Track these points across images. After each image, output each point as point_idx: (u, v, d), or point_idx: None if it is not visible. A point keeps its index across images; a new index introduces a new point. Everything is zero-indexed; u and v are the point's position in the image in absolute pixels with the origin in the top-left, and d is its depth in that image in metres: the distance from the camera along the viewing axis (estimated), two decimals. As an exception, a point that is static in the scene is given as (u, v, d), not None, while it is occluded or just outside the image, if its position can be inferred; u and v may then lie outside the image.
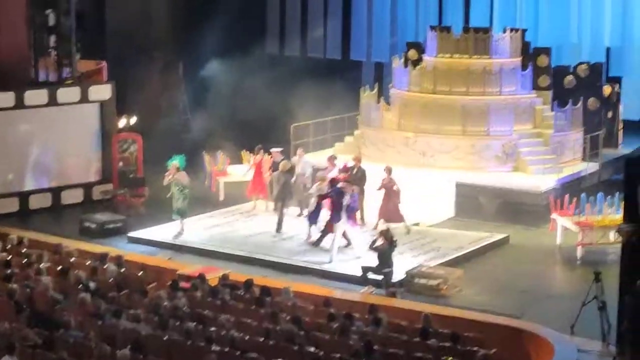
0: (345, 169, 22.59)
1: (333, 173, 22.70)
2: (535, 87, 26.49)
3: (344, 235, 20.72)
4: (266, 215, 23.57)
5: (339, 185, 21.16)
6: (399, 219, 22.08)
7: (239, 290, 16.69)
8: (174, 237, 21.94)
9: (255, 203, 24.30)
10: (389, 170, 22.27)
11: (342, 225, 20.17)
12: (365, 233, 21.45)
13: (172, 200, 22.14)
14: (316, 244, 21.08)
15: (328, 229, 20.90)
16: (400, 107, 25.67)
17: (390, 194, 22.08)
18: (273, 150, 24.18)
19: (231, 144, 27.05)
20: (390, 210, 22.01)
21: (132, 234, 22.36)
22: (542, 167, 23.68)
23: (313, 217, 21.56)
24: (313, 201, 21.68)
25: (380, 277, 18.50)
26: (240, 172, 25.68)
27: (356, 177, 22.53)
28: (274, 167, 23.62)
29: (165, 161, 22.70)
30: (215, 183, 25.75)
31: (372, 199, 22.42)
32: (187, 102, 33.20)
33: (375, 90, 27.46)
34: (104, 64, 28.02)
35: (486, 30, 26.36)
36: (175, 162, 22.31)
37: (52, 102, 24.76)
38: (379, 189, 22.07)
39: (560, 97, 26.35)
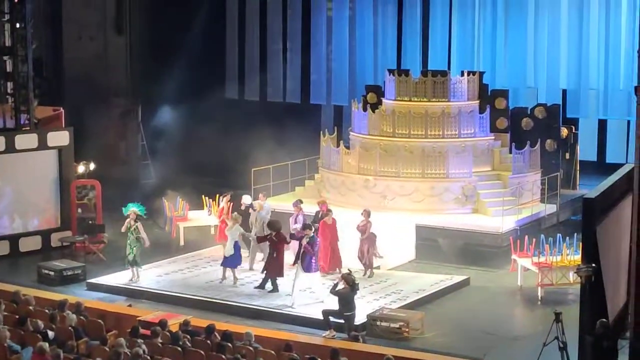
0: (326, 211, 22.52)
1: (298, 218, 22.71)
2: (493, 129, 26.70)
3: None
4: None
5: (296, 229, 21.23)
6: (370, 264, 22.14)
7: (200, 335, 16.56)
8: (130, 283, 21.77)
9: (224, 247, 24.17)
10: (367, 214, 22.32)
11: (300, 269, 20.10)
12: (327, 276, 21.46)
13: (127, 247, 21.95)
14: (260, 286, 21.11)
15: (270, 272, 20.95)
16: (359, 151, 25.77)
17: (369, 237, 22.13)
18: (243, 197, 24.11)
19: (191, 190, 26.99)
20: (366, 253, 22.07)
21: (91, 280, 22.16)
22: (501, 208, 23.80)
23: (231, 260, 21.54)
24: (230, 244, 21.61)
25: (342, 321, 18.44)
26: (201, 217, 25.61)
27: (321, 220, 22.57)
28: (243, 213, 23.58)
29: (123, 207, 22.55)
30: (176, 228, 25.63)
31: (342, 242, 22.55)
32: (146, 148, 33.12)
33: (335, 133, 27.56)
34: (61, 110, 27.95)
35: (444, 74, 26.58)
36: (135, 208, 22.17)
37: (10, 148, 24.59)
38: (358, 230, 22.19)
39: (518, 139, 26.57)
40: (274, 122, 31.14)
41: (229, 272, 21.72)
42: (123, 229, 22.27)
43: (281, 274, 20.97)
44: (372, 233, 22.21)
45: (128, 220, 22.03)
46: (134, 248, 21.80)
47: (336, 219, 22.45)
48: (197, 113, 31.15)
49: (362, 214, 22.41)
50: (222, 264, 21.79)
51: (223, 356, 15.38)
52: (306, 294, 20.37)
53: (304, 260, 20.10)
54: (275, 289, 20.95)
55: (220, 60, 35.63)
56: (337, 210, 23.51)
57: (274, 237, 21.01)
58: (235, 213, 22.60)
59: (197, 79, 32.36)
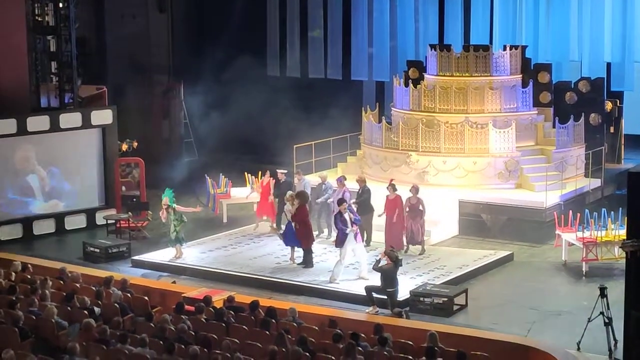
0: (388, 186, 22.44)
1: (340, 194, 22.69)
2: (537, 103, 26.49)
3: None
4: (270, 236, 23.55)
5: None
6: (419, 240, 22.08)
7: (244, 312, 16.66)
8: (174, 259, 21.90)
9: (258, 224, 24.32)
10: (415, 190, 22.21)
11: (348, 245, 20.09)
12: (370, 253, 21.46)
13: (171, 227, 22.07)
14: (305, 263, 21.12)
15: (303, 245, 21.03)
16: (401, 126, 25.69)
17: (416, 214, 22.06)
18: (278, 171, 24.24)
19: (233, 167, 27.05)
20: (413, 231, 22.00)
21: (136, 257, 22.35)
22: (545, 183, 23.65)
23: (288, 238, 21.51)
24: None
25: (385, 297, 18.45)
26: (244, 194, 25.71)
27: (362, 197, 22.54)
28: (279, 188, 23.67)
29: (166, 187, 22.71)
30: (218, 206, 25.75)
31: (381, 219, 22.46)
32: (189, 125, 33.26)
33: (377, 109, 27.50)
34: (105, 89, 28.13)
35: (486, 48, 26.38)
36: (166, 198, 22.24)
37: (54, 127, 24.82)
38: (405, 209, 22.06)
39: (562, 113, 26.35)
40: (316, 99, 31.10)
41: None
42: (164, 220, 22.38)
43: (307, 245, 20.99)
44: (419, 210, 22.09)
45: (162, 211, 22.14)
46: (177, 227, 21.92)
47: (400, 195, 22.13)
48: (239, 90, 31.19)
49: (410, 190, 22.30)
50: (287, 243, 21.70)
51: (267, 332, 15.47)
52: (349, 269, 20.42)
53: (338, 235, 20.18)
54: (309, 263, 20.99)
55: (261, 36, 35.57)
56: (379, 186, 23.49)
57: (296, 210, 21.07)
58: (290, 192, 22.46)
59: (239, 56, 32.34)
